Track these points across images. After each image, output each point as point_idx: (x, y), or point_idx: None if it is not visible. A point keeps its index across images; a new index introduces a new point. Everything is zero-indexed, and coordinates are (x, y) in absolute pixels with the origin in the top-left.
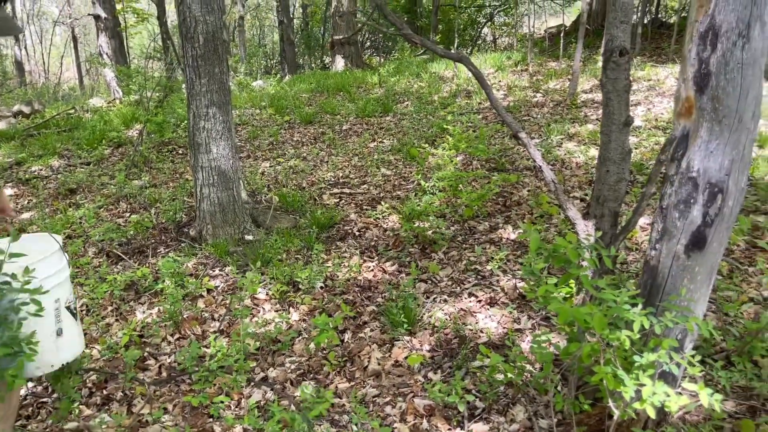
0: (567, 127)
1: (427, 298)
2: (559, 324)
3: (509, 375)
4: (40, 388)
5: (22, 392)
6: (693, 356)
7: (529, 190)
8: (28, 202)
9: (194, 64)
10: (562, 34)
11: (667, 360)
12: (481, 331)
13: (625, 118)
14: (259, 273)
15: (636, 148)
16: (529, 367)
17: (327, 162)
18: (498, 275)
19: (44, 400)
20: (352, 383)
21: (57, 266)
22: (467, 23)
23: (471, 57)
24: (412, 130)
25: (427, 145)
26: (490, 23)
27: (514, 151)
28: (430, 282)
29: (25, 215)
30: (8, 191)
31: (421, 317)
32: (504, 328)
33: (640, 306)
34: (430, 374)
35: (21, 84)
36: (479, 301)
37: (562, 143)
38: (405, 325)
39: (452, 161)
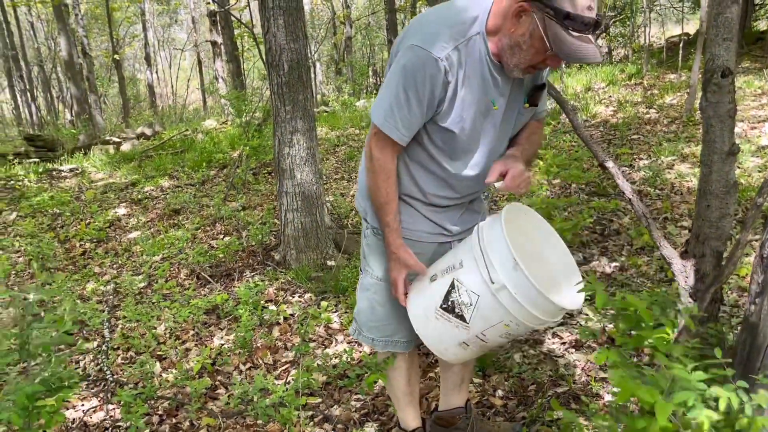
0: (681, 147)
1: None
2: (617, 402)
3: None
4: (107, 415)
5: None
6: None
7: (630, 218)
8: (136, 222)
9: (279, 92)
10: (681, 44)
11: None
12: (562, 378)
13: (730, 147)
14: (335, 301)
15: (760, 171)
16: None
17: None
18: (587, 314)
19: (119, 424)
20: None
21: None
22: None
23: (581, 71)
24: None
25: None
26: (605, 34)
27: None
28: None
29: (132, 235)
30: (122, 210)
31: (498, 358)
32: (587, 375)
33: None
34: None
35: (150, 106)
36: (563, 343)
37: (673, 165)
38: (478, 367)
39: (543, 187)
